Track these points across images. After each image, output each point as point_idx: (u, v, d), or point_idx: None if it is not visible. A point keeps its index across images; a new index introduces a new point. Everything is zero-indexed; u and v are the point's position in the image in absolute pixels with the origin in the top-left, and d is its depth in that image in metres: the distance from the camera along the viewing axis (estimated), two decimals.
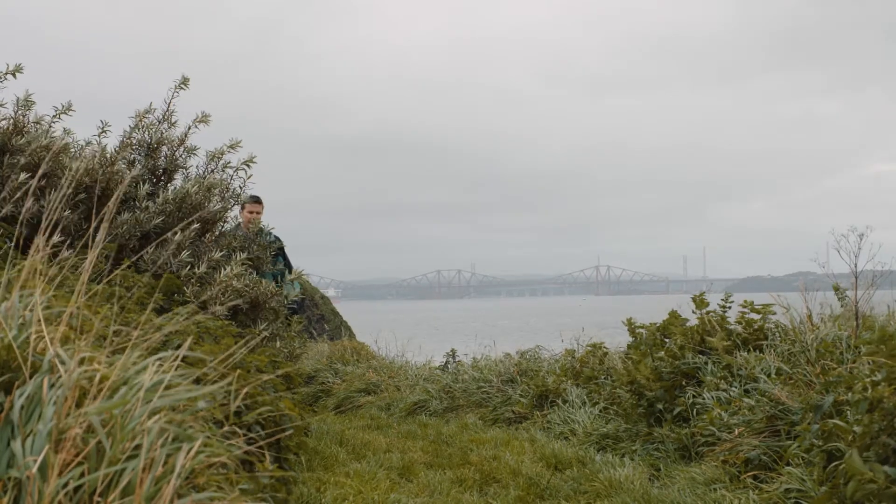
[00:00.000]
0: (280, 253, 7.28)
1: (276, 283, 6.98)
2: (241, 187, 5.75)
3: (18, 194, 4.37)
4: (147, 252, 4.83)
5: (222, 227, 5.79)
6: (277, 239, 7.10)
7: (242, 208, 7.09)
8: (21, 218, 2.46)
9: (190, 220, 4.94)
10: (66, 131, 5.58)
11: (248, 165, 5.73)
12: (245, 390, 1.92)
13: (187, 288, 4.70)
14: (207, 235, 5.50)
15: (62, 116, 5.44)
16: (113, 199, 1.86)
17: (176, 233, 4.83)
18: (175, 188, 5.32)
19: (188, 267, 4.88)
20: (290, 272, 7.22)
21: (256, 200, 7.25)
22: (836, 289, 5.51)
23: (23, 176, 4.62)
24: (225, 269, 4.92)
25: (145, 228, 4.96)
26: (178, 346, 1.88)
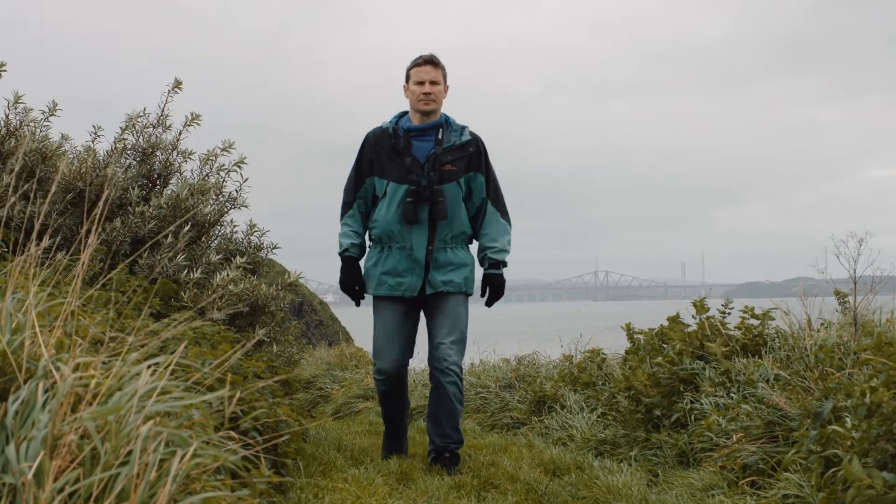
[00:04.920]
0: (479, 164, 4.53)
1: (470, 225, 4.57)
2: (236, 191, 5.75)
3: (13, 199, 4.37)
4: (142, 257, 4.83)
5: (219, 230, 5.79)
6: (476, 139, 4.54)
7: (407, 81, 4.49)
8: (14, 223, 2.46)
9: (180, 222, 4.94)
10: (64, 136, 5.60)
11: (239, 166, 5.74)
12: (239, 395, 1.91)
13: (184, 293, 4.70)
14: (203, 239, 5.50)
15: (59, 121, 5.46)
16: (102, 201, 1.86)
17: (167, 236, 4.83)
18: (169, 193, 5.32)
19: (185, 271, 4.88)
20: (495, 202, 4.61)
21: (427, 61, 4.44)
22: (838, 293, 5.51)
23: (15, 180, 4.62)
24: (221, 274, 4.91)
25: (139, 234, 4.95)
26: (175, 352, 1.87)
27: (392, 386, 4.68)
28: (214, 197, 5.60)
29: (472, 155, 4.49)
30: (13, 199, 4.27)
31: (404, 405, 4.88)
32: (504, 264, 4.64)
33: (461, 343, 4.57)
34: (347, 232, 4.59)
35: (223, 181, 5.70)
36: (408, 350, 4.66)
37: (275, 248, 5.99)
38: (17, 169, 4.69)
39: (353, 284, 4.63)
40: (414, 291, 4.48)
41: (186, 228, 5.00)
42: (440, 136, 4.45)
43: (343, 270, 4.62)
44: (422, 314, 4.68)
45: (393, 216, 4.42)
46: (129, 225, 4.90)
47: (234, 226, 5.91)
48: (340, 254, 4.60)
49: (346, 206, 4.60)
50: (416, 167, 4.40)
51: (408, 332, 4.62)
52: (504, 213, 4.65)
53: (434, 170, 4.40)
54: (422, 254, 4.44)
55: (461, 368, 4.54)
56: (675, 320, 5.32)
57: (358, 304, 4.75)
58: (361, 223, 4.60)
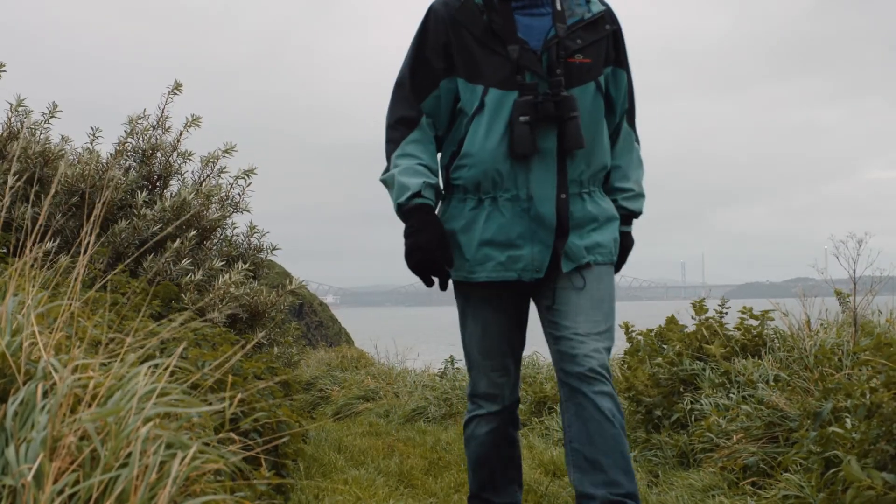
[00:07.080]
0: (618, 55, 2.71)
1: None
2: (240, 195, 5.78)
3: (10, 199, 4.38)
4: (146, 259, 4.84)
5: (220, 232, 5.80)
6: (610, 12, 2.71)
7: None
8: (14, 224, 2.47)
9: (181, 222, 4.95)
10: (64, 138, 5.61)
11: (247, 175, 5.77)
12: (239, 396, 1.92)
13: (185, 295, 4.70)
14: (206, 243, 5.52)
15: (59, 123, 5.48)
16: (102, 201, 1.86)
17: (174, 240, 4.85)
18: (172, 195, 5.35)
19: (188, 275, 4.89)
20: (631, 117, 2.82)
21: None
22: (839, 293, 5.52)
23: (17, 182, 4.64)
24: (224, 277, 4.92)
25: (143, 236, 4.97)
26: (174, 353, 1.88)
27: (503, 423, 2.85)
28: (219, 204, 5.62)
29: (609, 37, 2.69)
30: (10, 200, 4.28)
31: (517, 468, 2.97)
32: (638, 215, 2.92)
33: (611, 338, 2.73)
34: (413, 167, 2.57)
35: (231, 186, 5.73)
36: (520, 364, 2.87)
37: (274, 249, 6.01)
38: (13, 170, 4.69)
39: (433, 251, 2.52)
40: (539, 271, 2.59)
41: (193, 233, 5.02)
42: (559, 8, 2.62)
43: (412, 231, 2.53)
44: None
45: (499, 147, 2.55)
46: (136, 227, 4.92)
47: (235, 227, 5.93)
48: (404, 203, 2.54)
49: (404, 124, 2.63)
50: (528, 60, 2.54)
51: (521, 337, 2.83)
52: (637, 137, 2.91)
53: (559, 63, 2.56)
54: (549, 207, 2.57)
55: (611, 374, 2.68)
56: (672, 321, 5.33)
57: (444, 287, 2.66)
58: (433, 154, 2.66)
